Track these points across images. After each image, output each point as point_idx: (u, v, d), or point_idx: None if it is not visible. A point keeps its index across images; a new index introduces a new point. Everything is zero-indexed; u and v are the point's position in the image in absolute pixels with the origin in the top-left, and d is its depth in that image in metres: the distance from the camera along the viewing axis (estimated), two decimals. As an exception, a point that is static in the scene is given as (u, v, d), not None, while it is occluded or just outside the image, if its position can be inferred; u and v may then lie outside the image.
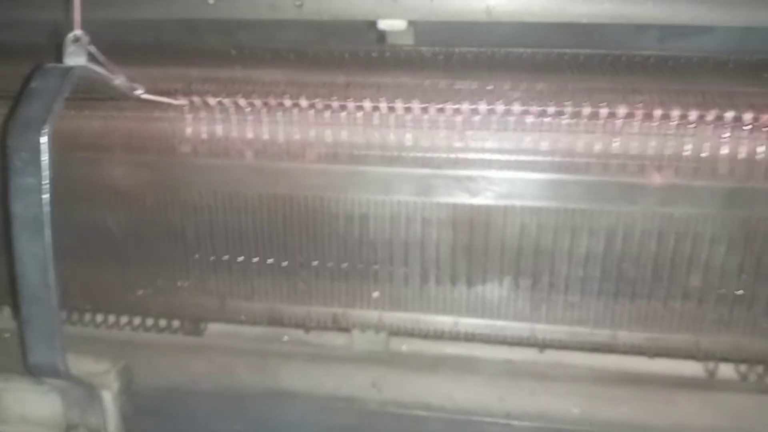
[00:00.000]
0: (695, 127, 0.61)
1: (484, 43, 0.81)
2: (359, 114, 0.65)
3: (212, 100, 0.66)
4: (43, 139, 0.49)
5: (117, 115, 0.68)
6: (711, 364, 0.72)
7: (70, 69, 0.53)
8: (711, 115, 0.61)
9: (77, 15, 0.55)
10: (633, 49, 0.78)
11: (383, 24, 0.86)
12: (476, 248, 0.66)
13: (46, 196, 0.50)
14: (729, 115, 0.61)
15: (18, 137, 0.50)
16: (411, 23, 0.86)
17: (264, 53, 0.79)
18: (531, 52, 0.78)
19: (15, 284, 0.53)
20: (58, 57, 0.56)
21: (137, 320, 0.78)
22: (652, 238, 0.64)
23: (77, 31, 0.55)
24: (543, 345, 0.71)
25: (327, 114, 0.65)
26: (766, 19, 0.79)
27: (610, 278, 0.66)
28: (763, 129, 0.61)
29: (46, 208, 0.50)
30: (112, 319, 0.77)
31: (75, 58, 0.54)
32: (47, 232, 0.50)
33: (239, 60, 0.77)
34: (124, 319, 0.79)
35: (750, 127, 0.61)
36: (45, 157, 0.50)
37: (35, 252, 0.51)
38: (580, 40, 0.84)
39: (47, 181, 0.50)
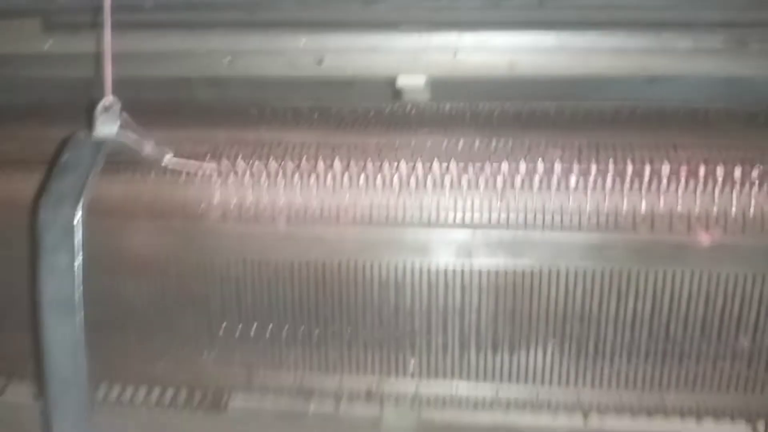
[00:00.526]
0: (739, 184, 0.60)
1: (501, 96, 0.80)
2: (395, 177, 0.62)
3: (242, 165, 0.63)
4: (77, 216, 0.47)
5: (141, 179, 0.65)
6: (761, 425, 0.69)
7: (103, 142, 0.51)
8: (755, 172, 0.60)
9: (108, 81, 0.52)
10: (660, 101, 0.77)
11: (402, 80, 0.86)
12: (519, 313, 0.63)
13: (79, 276, 0.47)
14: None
15: (50, 213, 0.47)
16: (429, 79, 0.85)
17: (286, 112, 0.78)
18: (558, 106, 0.77)
19: (41, 365, 0.49)
20: (90, 118, 0.54)
21: (157, 392, 0.74)
22: (699, 299, 0.61)
23: (109, 98, 0.52)
24: (588, 410, 0.68)
25: (362, 178, 0.63)
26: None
27: (657, 340, 0.63)
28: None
29: (79, 289, 0.47)
30: (130, 391, 0.72)
31: (107, 126, 0.52)
32: (79, 314, 0.47)
33: (262, 120, 0.75)
34: (142, 392, 0.74)
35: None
36: (79, 235, 0.47)
37: (65, 334, 0.48)
38: (604, 94, 0.84)
39: (80, 261, 0.47)
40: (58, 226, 0.46)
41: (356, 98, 0.86)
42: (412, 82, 0.85)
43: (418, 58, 0.83)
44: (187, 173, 0.62)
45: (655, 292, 0.61)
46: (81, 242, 0.47)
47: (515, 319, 0.63)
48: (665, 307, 0.62)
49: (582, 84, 0.82)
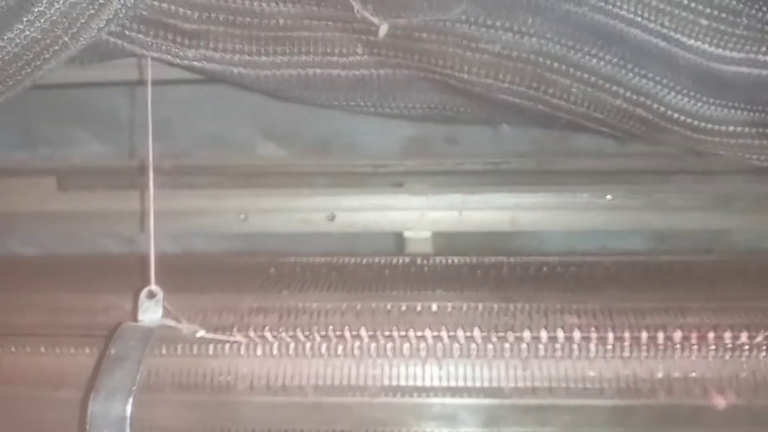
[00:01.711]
0: (749, 348, 0.63)
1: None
2: (422, 345, 0.64)
3: (269, 335, 0.65)
4: (128, 411, 0.47)
5: (167, 353, 0.65)
6: None
7: (150, 330, 0.52)
8: (760, 337, 0.63)
9: (152, 271, 0.55)
10: (659, 256, 0.82)
11: (408, 234, 0.90)
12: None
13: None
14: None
15: (101, 409, 0.47)
16: (435, 234, 0.90)
17: (303, 271, 0.80)
18: (562, 261, 0.81)
19: None
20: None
21: None
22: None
23: (153, 287, 0.54)
24: None
25: (389, 345, 0.64)
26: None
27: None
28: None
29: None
30: None
31: (150, 314, 0.53)
32: None
33: (282, 281, 0.77)
34: None
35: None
36: (128, 429, 0.47)
37: None
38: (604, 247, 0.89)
39: (129, 457, 0.47)
40: (108, 422, 0.46)
41: (362, 250, 0.90)
42: (419, 235, 0.90)
43: (424, 215, 0.88)
44: (215, 346, 0.63)
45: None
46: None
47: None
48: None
49: (580, 237, 0.88)
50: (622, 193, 0.84)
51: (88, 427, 0.47)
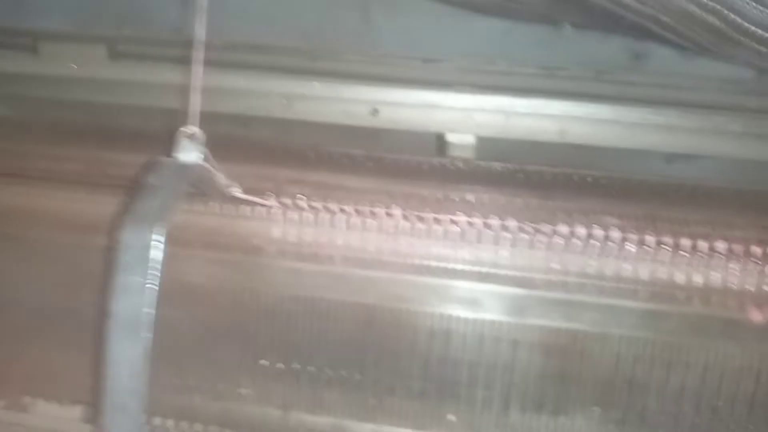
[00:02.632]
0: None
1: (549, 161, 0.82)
2: (453, 228, 0.64)
3: (304, 203, 0.65)
4: (157, 237, 0.48)
5: (202, 211, 0.66)
6: None
7: (187, 166, 0.53)
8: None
9: (195, 109, 0.54)
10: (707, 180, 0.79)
11: (451, 137, 0.88)
12: (566, 376, 0.63)
13: (151, 298, 0.47)
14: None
15: (131, 233, 0.48)
16: (479, 138, 0.88)
17: (342, 158, 0.80)
18: (609, 175, 0.79)
19: (99, 387, 0.50)
20: (167, 145, 0.56)
21: (184, 426, 0.74)
22: (750, 377, 0.62)
23: (193, 128, 0.54)
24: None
25: (420, 226, 0.64)
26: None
27: (703, 415, 0.63)
28: None
29: (150, 311, 0.47)
30: (170, 423, 0.72)
31: (189, 153, 0.54)
32: (146, 336, 0.48)
33: (321, 163, 0.77)
34: (170, 423, 0.74)
35: None
36: (157, 256, 0.48)
37: (130, 356, 0.48)
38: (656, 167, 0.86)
39: (155, 282, 0.47)
40: (137, 247, 0.47)
41: (405, 149, 0.88)
42: (461, 140, 0.88)
43: (470, 116, 0.86)
44: (251, 207, 0.64)
45: (705, 366, 0.61)
46: (159, 265, 0.48)
47: (562, 381, 0.63)
48: (713, 382, 0.62)
49: (628, 156, 0.85)
50: (682, 113, 0.80)
51: (120, 248, 0.47)
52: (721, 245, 0.62)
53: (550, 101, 0.83)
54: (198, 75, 0.56)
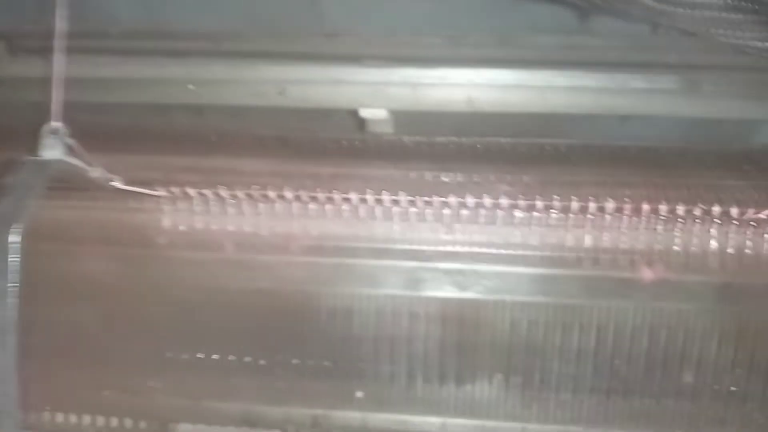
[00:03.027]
0: (683, 222, 0.61)
1: (463, 132, 0.82)
2: (345, 207, 0.63)
3: (192, 191, 0.64)
4: (14, 239, 0.47)
5: (91, 206, 0.65)
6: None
7: (46, 163, 0.51)
8: (698, 210, 0.61)
9: (56, 105, 0.53)
10: (614, 140, 0.79)
11: (365, 112, 0.87)
12: (465, 345, 0.64)
13: (12, 301, 0.47)
14: (716, 209, 0.61)
15: (-15, 235, 0.47)
16: (392, 112, 0.87)
17: (246, 139, 0.79)
18: (513, 142, 0.78)
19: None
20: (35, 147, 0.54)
21: (101, 421, 0.73)
22: (644, 334, 0.62)
23: (55, 123, 0.53)
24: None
25: (312, 206, 0.63)
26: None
27: (602, 375, 0.64)
28: (750, 224, 0.61)
29: (12, 314, 0.47)
30: (74, 419, 0.71)
31: (52, 150, 0.52)
32: (10, 340, 0.47)
33: (221, 147, 0.76)
34: (86, 420, 0.73)
35: (737, 222, 0.61)
36: (15, 258, 0.47)
37: (-4, 358, 0.47)
38: (560, 131, 0.86)
39: (16, 284, 0.47)
40: (-8, 248, 0.46)
41: (323, 129, 0.88)
42: (375, 114, 0.87)
43: (379, 90, 0.85)
44: (137, 198, 0.63)
45: (599, 326, 0.62)
46: (17, 265, 0.47)
47: (462, 350, 0.64)
48: (609, 341, 0.63)
49: (539, 120, 0.85)
50: (585, 73, 0.80)
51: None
52: (609, 205, 0.62)
53: (457, 69, 0.82)
54: (60, 67, 0.55)
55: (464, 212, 0.62)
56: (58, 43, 0.55)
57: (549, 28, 0.82)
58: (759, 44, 0.72)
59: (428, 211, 0.62)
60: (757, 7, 0.68)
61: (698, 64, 0.81)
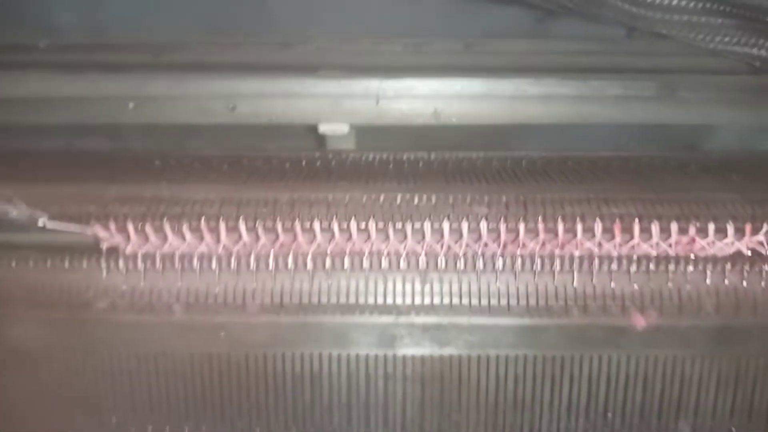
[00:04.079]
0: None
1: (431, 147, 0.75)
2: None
3: (131, 226, 0.56)
4: None
5: (19, 265, 0.56)
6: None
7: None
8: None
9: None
10: (591, 150, 0.74)
11: (324, 128, 0.80)
12: (447, 404, 0.57)
13: None
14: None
15: None
16: (353, 127, 0.80)
17: (193, 163, 0.71)
18: (485, 156, 0.73)
19: None
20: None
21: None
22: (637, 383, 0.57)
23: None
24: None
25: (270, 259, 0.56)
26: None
27: (595, 427, 0.58)
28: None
29: None
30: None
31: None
32: None
33: (165, 172, 0.68)
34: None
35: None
36: None
37: None
38: (532, 141, 0.81)
39: None
40: None
41: (279, 146, 0.80)
42: (335, 129, 0.80)
43: (340, 104, 0.78)
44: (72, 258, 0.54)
45: (590, 377, 0.56)
46: None
47: (443, 409, 0.57)
48: (602, 392, 0.57)
49: (509, 132, 0.79)
50: (560, 80, 0.75)
51: None
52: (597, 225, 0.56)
53: (421, 80, 0.76)
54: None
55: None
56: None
57: (518, 33, 0.76)
58: (738, 49, 0.69)
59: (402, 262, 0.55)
60: (735, 10, 0.64)
61: (674, 69, 0.78)
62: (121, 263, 0.56)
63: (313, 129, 0.80)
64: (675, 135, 0.78)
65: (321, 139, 0.82)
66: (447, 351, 0.56)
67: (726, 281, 0.56)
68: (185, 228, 0.56)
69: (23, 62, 0.75)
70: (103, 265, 0.56)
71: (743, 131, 0.78)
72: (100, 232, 0.56)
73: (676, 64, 0.76)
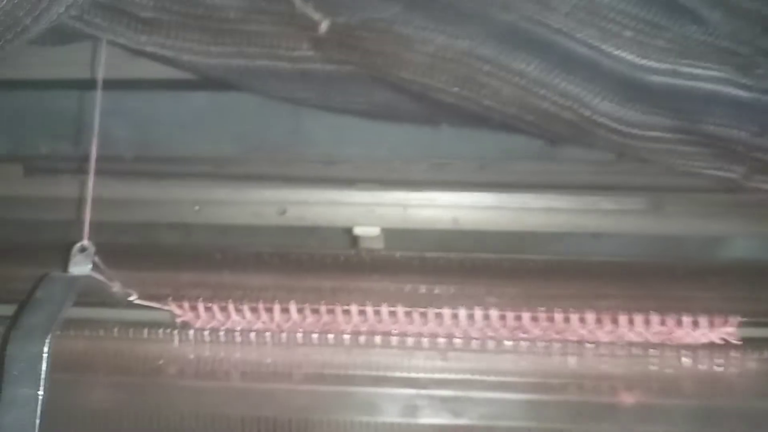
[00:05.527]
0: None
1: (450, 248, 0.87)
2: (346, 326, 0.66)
3: (201, 306, 0.68)
4: (45, 349, 0.50)
5: (103, 335, 0.67)
6: None
7: (75, 279, 0.55)
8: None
9: (86, 225, 0.58)
10: (587, 256, 0.85)
11: (358, 230, 0.93)
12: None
13: (39, 409, 0.49)
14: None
15: (18, 346, 0.50)
16: (383, 230, 0.93)
17: (248, 256, 0.83)
18: (496, 258, 0.84)
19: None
20: (65, 260, 0.58)
21: None
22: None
23: (85, 242, 0.57)
24: None
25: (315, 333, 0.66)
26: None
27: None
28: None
29: (38, 421, 0.49)
30: None
31: (80, 267, 0.56)
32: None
33: (225, 264, 0.80)
34: None
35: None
36: (44, 368, 0.49)
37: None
38: (538, 247, 0.92)
39: (42, 393, 0.49)
40: (25, 358, 0.49)
41: (320, 245, 0.93)
42: (368, 231, 0.93)
43: (372, 210, 0.92)
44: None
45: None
46: (46, 375, 0.49)
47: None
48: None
49: (517, 238, 0.91)
50: (557, 195, 0.87)
51: (6, 362, 0.49)
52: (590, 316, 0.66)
53: (442, 193, 0.89)
54: (90, 188, 0.60)
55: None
56: (91, 166, 0.61)
57: (524, 156, 0.90)
58: (711, 172, 0.80)
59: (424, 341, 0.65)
60: (706, 140, 0.76)
61: (661, 187, 0.90)
62: (191, 335, 0.67)
63: (348, 231, 0.93)
64: (662, 244, 0.89)
65: (354, 240, 0.94)
66: (461, 421, 0.65)
67: (701, 366, 0.65)
68: (245, 308, 0.67)
69: (114, 170, 0.90)
70: (176, 336, 0.67)
71: (720, 242, 0.88)
72: (176, 310, 0.67)
73: (662, 182, 0.88)
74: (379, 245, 0.93)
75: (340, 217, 0.90)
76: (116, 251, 0.77)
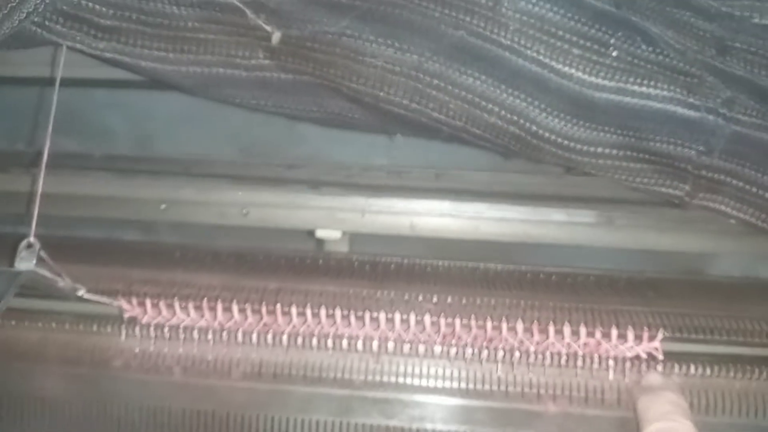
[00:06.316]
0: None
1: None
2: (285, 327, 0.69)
3: (148, 302, 0.70)
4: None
5: (55, 328, 0.70)
6: None
7: (17, 273, 0.58)
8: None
9: (34, 221, 0.60)
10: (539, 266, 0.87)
11: (320, 233, 0.95)
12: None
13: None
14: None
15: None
16: (345, 233, 0.95)
17: (206, 255, 0.86)
18: (449, 265, 0.86)
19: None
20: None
21: None
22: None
23: (31, 239, 0.60)
24: None
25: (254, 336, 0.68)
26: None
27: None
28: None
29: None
30: None
31: (25, 262, 0.59)
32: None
33: (182, 262, 0.83)
34: None
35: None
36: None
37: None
38: (491, 256, 0.94)
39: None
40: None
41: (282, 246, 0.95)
42: (330, 234, 0.95)
43: (332, 214, 0.94)
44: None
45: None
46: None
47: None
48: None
49: (470, 245, 0.93)
50: (511, 205, 0.89)
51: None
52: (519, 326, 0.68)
53: (400, 200, 0.91)
54: (40, 184, 0.62)
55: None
56: (42, 162, 0.63)
57: (478, 166, 0.92)
58: (656, 188, 0.82)
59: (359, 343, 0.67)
60: (651, 157, 0.78)
61: (612, 199, 0.91)
62: (137, 330, 0.69)
63: (311, 233, 0.95)
64: (610, 256, 0.91)
65: (319, 243, 0.96)
66: (392, 423, 0.67)
67: (626, 379, 0.67)
68: (190, 306, 0.70)
69: (82, 166, 0.93)
70: (123, 331, 0.69)
71: (668, 256, 0.90)
72: (125, 305, 0.70)
73: (614, 195, 0.90)
74: (343, 248, 0.95)
75: (302, 219, 0.92)
76: (76, 247, 0.80)
